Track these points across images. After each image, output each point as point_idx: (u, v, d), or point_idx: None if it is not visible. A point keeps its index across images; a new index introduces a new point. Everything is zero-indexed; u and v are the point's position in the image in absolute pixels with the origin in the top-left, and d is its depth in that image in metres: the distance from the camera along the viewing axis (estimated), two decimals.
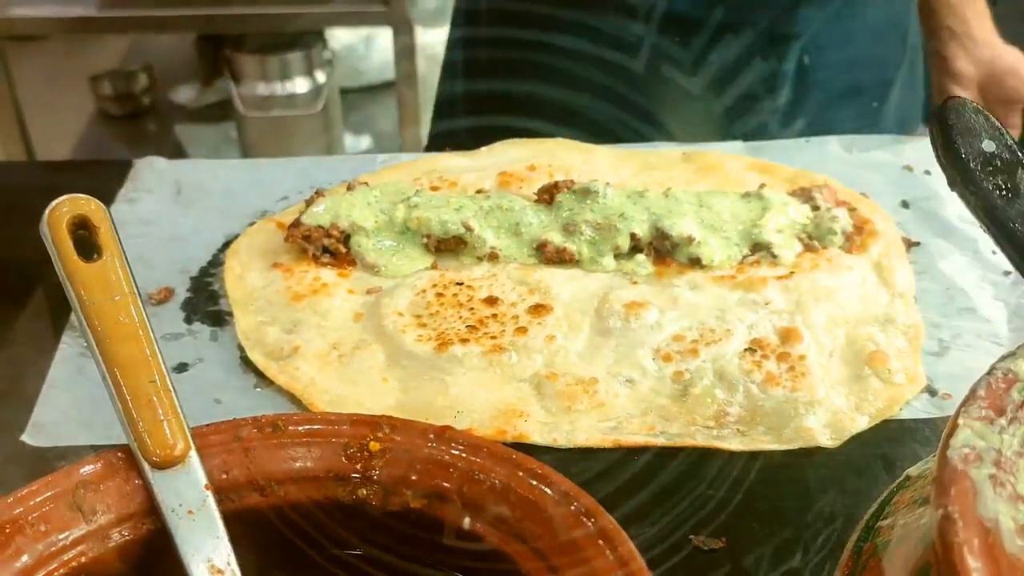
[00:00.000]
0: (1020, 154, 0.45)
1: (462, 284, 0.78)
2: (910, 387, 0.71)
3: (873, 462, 0.66)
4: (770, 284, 0.77)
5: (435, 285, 0.78)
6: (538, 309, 0.76)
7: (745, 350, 0.73)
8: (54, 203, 0.48)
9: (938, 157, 0.46)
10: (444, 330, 0.74)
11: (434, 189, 0.88)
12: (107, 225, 0.48)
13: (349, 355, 0.73)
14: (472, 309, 0.76)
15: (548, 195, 0.84)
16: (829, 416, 0.68)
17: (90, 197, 0.49)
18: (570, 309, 0.77)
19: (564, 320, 0.76)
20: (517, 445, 0.65)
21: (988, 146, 0.45)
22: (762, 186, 0.85)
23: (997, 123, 0.45)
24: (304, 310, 0.76)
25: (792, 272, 0.79)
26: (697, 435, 0.68)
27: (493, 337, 0.74)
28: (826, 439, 0.67)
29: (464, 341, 0.73)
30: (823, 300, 0.77)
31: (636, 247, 0.81)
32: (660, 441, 0.67)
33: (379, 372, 0.72)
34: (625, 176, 0.91)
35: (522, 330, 0.74)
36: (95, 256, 0.48)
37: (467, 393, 0.70)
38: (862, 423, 0.68)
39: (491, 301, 0.77)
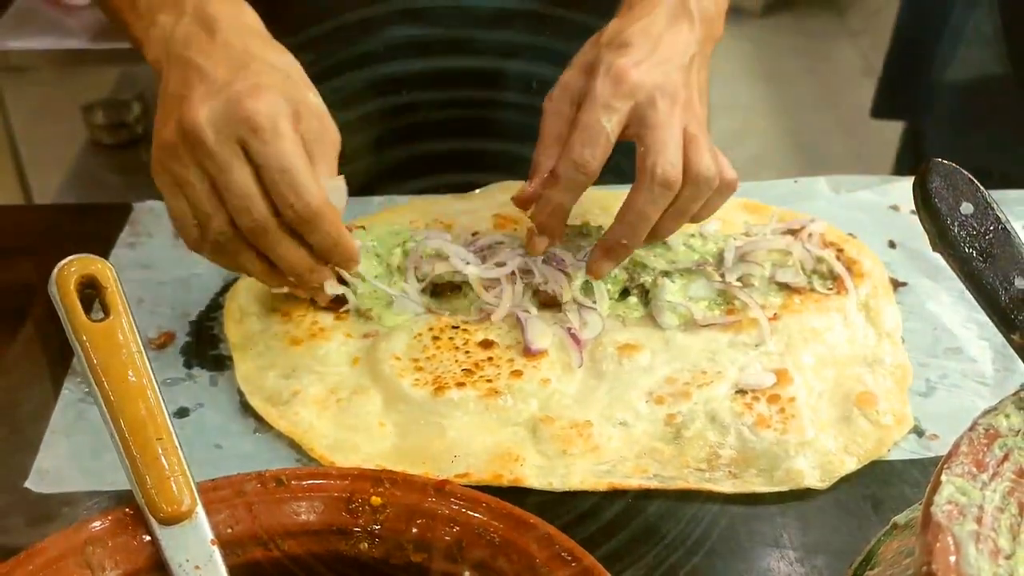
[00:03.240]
0: (999, 216, 0.47)
1: (458, 328, 0.80)
2: (898, 428, 0.72)
3: (862, 503, 0.67)
4: (760, 326, 0.79)
5: (431, 329, 0.79)
6: (533, 352, 0.77)
7: (736, 392, 0.74)
8: (63, 263, 0.50)
9: (920, 219, 0.48)
10: (440, 374, 0.75)
11: None
12: (115, 285, 0.49)
13: (347, 400, 0.74)
14: (468, 352, 0.77)
15: None
16: (819, 458, 0.69)
17: (97, 257, 0.50)
18: (563, 352, 0.78)
19: (558, 363, 0.77)
20: (513, 489, 0.67)
21: (966, 208, 0.46)
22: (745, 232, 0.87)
23: (977, 184, 0.46)
24: (302, 355, 0.77)
25: (778, 314, 0.80)
26: (690, 477, 0.69)
27: (489, 380, 0.75)
28: (815, 480, 0.68)
29: (460, 385, 0.74)
30: (811, 341, 0.78)
31: (627, 290, 0.82)
32: (654, 484, 0.69)
33: (376, 417, 0.73)
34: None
35: (517, 373, 0.75)
36: (102, 315, 0.49)
37: (464, 437, 0.72)
38: (851, 464, 0.70)
39: (486, 344, 0.78)
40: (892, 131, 1.99)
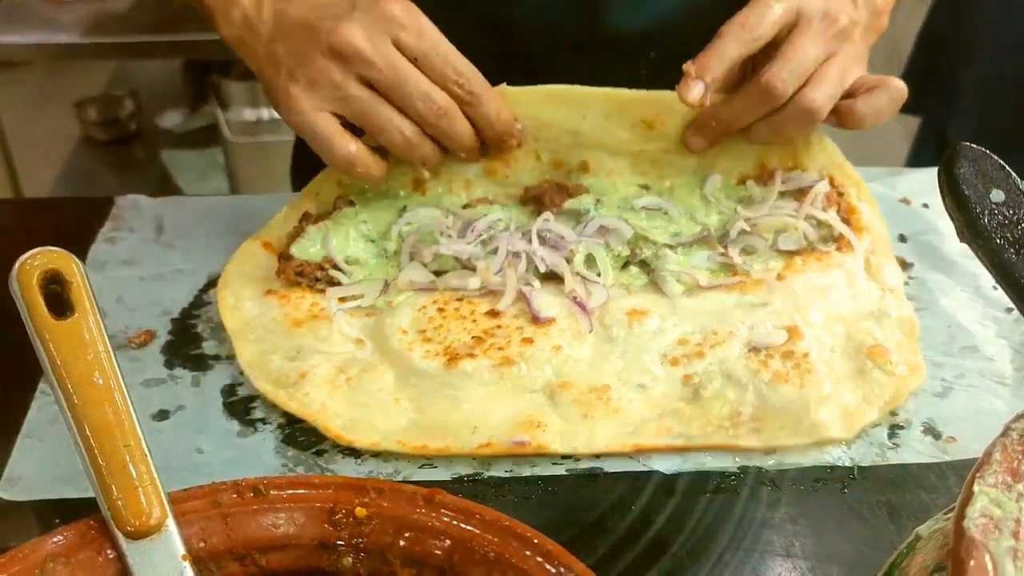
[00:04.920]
0: None
1: (462, 299, 0.77)
2: (913, 378, 0.72)
3: (876, 509, 0.64)
4: (765, 286, 0.77)
5: (435, 301, 0.77)
6: (541, 320, 0.75)
7: (749, 350, 0.72)
8: (24, 257, 0.46)
9: (946, 207, 0.44)
10: (450, 343, 0.73)
11: (418, 186, 0.86)
12: (80, 280, 0.46)
13: (357, 378, 0.72)
14: (475, 321, 0.75)
15: (536, 202, 0.84)
16: (839, 410, 0.69)
17: (62, 250, 0.47)
18: (572, 318, 0.75)
19: (568, 330, 0.74)
20: (512, 489, 0.64)
21: (997, 196, 0.43)
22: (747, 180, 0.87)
23: (1009, 170, 0.43)
24: (305, 336, 0.75)
25: (782, 275, 0.78)
26: (715, 436, 0.68)
27: (500, 348, 0.72)
28: (840, 432, 0.68)
29: (472, 355, 0.72)
30: (817, 298, 0.77)
31: (628, 261, 0.80)
32: (679, 443, 0.68)
33: (390, 393, 0.71)
34: (622, 142, 0.87)
35: (528, 340, 0.73)
36: (67, 312, 0.46)
37: (481, 408, 0.70)
38: (871, 415, 0.69)
39: (493, 314, 0.76)
40: (903, 126, 1.96)
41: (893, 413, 0.71)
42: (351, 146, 0.77)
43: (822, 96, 0.78)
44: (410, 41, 0.76)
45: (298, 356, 0.73)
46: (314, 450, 0.68)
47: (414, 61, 0.76)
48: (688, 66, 0.78)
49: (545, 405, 0.70)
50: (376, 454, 0.68)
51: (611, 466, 0.67)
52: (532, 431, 0.68)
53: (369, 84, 0.76)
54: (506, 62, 0.94)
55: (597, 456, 0.68)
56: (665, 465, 0.67)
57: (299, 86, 0.76)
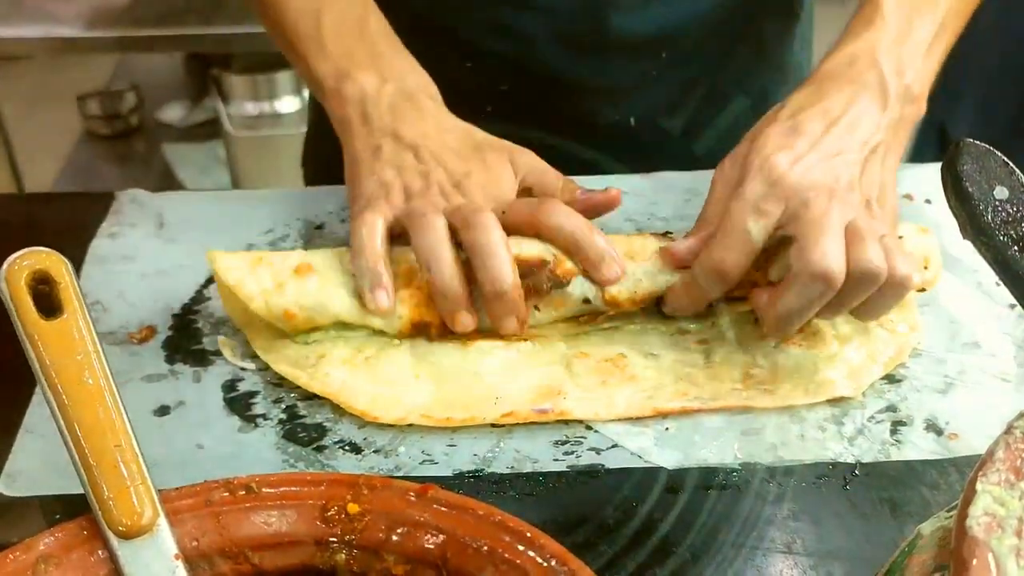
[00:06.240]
0: None
1: None
2: (914, 335, 0.75)
3: (878, 506, 0.64)
4: None
5: None
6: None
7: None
8: (12, 257, 0.46)
9: (949, 203, 0.44)
10: None
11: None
12: (68, 280, 0.46)
13: (375, 357, 0.72)
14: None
15: None
16: (846, 368, 0.72)
17: (51, 251, 0.46)
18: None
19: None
20: (514, 487, 0.64)
21: (1001, 192, 0.42)
22: None
23: (1013, 167, 0.42)
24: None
25: None
26: (729, 398, 0.70)
27: None
28: (848, 389, 0.70)
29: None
30: None
31: None
32: (695, 405, 0.70)
33: (410, 369, 0.72)
34: None
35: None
36: (56, 312, 0.45)
37: (502, 380, 0.71)
38: (877, 371, 0.72)
39: None
40: None
41: (894, 380, 0.72)
42: (383, 270, 0.72)
43: (902, 267, 0.67)
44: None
45: (313, 340, 0.74)
46: (315, 446, 0.68)
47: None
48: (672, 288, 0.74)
49: (563, 375, 0.72)
50: (377, 450, 0.68)
51: (612, 463, 0.67)
52: (553, 399, 0.70)
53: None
54: (515, 65, 0.93)
55: (598, 452, 0.67)
56: (666, 461, 0.67)
57: (384, 203, 0.73)
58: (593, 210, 0.77)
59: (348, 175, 0.78)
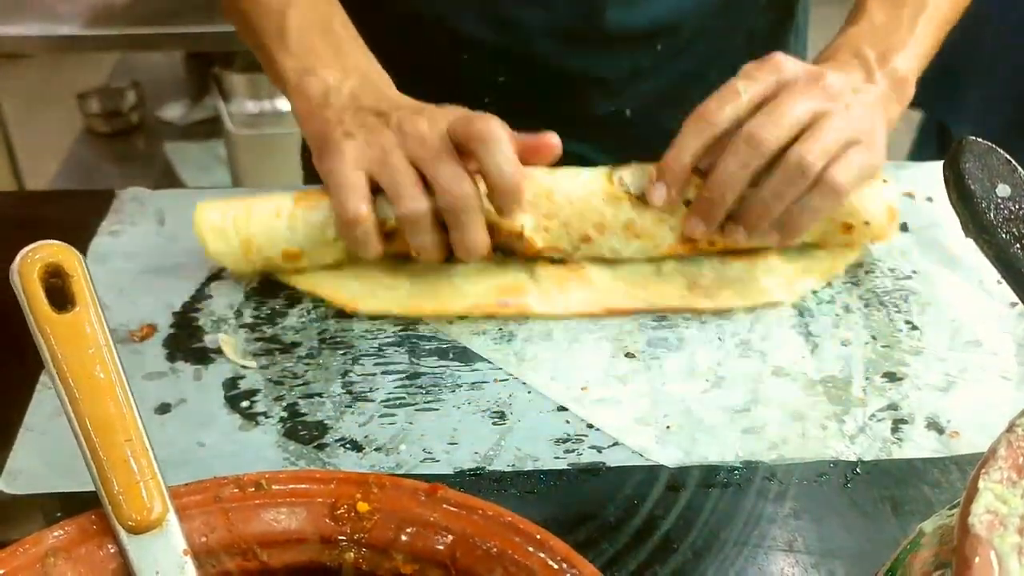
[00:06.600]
0: None
1: None
2: (853, 254, 0.83)
3: (880, 504, 0.64)
4: None
5: None
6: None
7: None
8: (25, 250, 0.46)
9: (951, 201, 0.44)
10: None
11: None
12: (81, 273, 0.46)
13: (358, 265, 0.81)
14: None
15: None
16: (783, 279, 0.80)
17: (63, 244, 0.46)
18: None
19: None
20: (515, 483, 0.64)
21: (1003, 190, 0.43)
22: None
23: (1015, 164, 0.43)
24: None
25: None
26: (674, 300, 0.79)
27: None
28: (782, 295, 0.79)
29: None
30: None
31: None
32: (643, 306, 0.79)
33: (390, 271, 0.81)
34: None
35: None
36: (68, 306, 0.46)
37: (470, 281, 0.80)
38: (811, 283, 0.81)
39: None
40: (906, 118, 1.95)
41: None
42: (364, 207, 0.75)
43: (814, 151, 0.73)
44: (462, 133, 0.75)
45: (297, 263, 0.81)
46: (315, 444, 0.68)
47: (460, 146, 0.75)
48: (652, 170, 0.78)
49: (526, 279, 0.80)
50: (378, 448, 0.68)
51: (613, 461, 0.67)
52: (514, 295, 0.78)
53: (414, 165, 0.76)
54: (511, 57, 0.94)
55: (599, 450, 0.68)
56: (667, 459, 0.67)
57: (352, 142, 0.76)
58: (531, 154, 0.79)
59: (318, 143, 0.80)
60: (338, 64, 0.81)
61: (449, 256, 0.78)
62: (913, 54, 0.81)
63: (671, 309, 0.78)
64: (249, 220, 0.79)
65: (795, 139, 0.73)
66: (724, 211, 0.76)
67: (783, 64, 0.75)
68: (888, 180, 0.82)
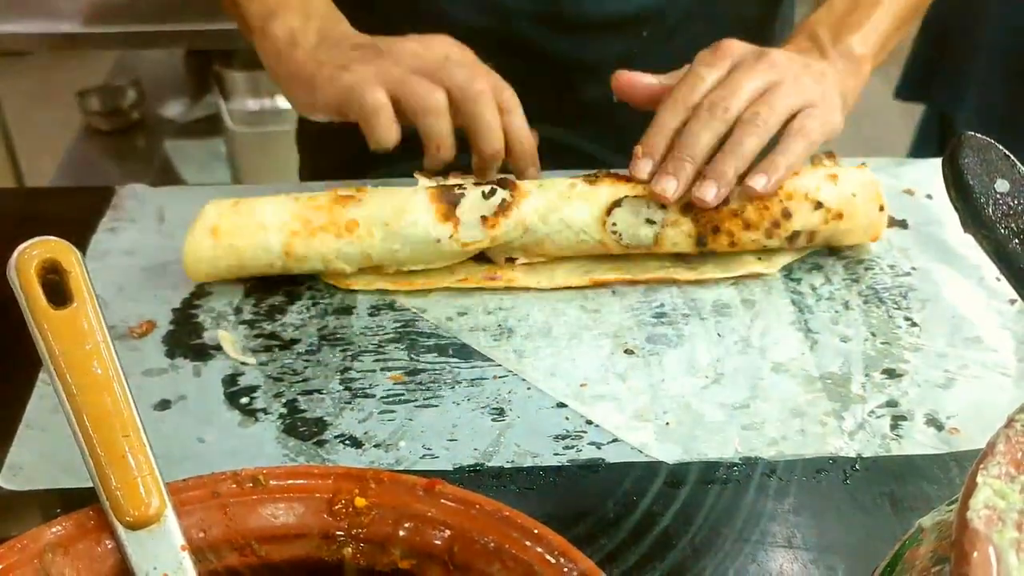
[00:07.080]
0: None
1: None
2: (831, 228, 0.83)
3: (879, 500, 0.64)
4: None
5: None
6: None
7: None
8: (23, 246, 0.46)
9: (950, 197, 0.44)
10: None
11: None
12: (78, 269, 0.46)
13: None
14: None
15: None
16: (763, 253, 0.83)
17: (61, 240, 0.46)
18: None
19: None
20: (515, 480, 0.64)
21: (1002, 186, 0.42)
22: None
23: (1014, 160, 0.43)
24: None
25: None
26: (657, 272, 0.82)
27: None
28: (761, 267, 0.82)
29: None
30: None
31: None
32: (626, 277, 0.81)
33: (383, 253, 0.81)
34: None
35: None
36: (66, 302, 0.46)
37: (459, 265, 0.82)
38: (789, 256, 0.83)
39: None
40: (906, 115, 1.94)
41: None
42: (382, 96, 0.78)
43: (767, 105, 0.79)
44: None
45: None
46: (315, 440, 0.68)
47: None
48: (637, 147, 0.81)
49: (515, 252, 0.82)
50: (377, 444, 0.68)
51: (612, 457, 0.67)
52: (502, 271, 0.81)
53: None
54: (496, 40, 0.95)
55: (598, 447, 0.68)
56: (666, 455, 0.67)
57: (349, 72, 0.80)
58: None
59: (293, 81, 0.83)
60: (301, 9, 0.85)
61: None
62: (869, 34, 0.86)
63: (655, 280, 0.81)
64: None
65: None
66: (692, 169, 0.79)
67: (734, 48, 0.82)
68: (880, 177, 0.84)
